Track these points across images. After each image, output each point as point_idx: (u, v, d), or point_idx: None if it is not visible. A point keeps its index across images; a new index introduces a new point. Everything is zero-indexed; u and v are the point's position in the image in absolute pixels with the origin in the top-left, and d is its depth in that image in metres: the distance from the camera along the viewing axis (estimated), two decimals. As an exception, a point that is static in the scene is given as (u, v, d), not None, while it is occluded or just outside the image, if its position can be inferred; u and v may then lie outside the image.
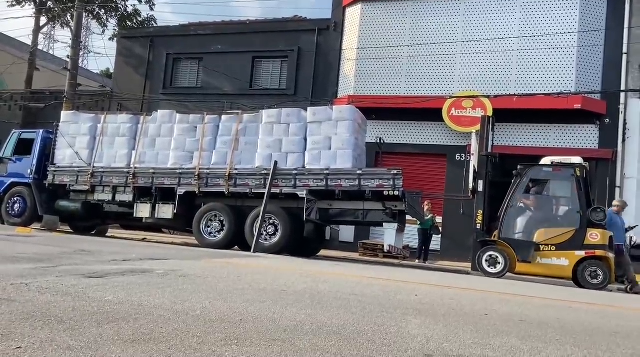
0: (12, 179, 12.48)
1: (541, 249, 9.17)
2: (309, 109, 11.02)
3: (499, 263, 9.32)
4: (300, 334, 2.70)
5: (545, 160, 10.06)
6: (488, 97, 14.54)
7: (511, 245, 9.36)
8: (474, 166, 10.29)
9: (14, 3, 22.70)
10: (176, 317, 2.85)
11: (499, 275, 9.23)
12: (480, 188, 9.96)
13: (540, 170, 9.84)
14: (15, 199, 12.31)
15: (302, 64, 17.79)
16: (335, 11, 17.51)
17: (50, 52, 34.13)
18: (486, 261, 9.42)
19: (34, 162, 12.38)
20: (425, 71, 15.81)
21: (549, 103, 14.09)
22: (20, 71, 21.86)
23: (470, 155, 11.63)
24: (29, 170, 12.35)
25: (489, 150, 10.32)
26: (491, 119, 10.97)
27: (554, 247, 9.11)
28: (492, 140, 10.94)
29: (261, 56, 18.50)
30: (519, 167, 9.72)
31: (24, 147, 12.67)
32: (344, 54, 17.06)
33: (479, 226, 9.86)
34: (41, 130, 12.96)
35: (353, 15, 16.96)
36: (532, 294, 6.21)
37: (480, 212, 9.87)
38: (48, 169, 12.16)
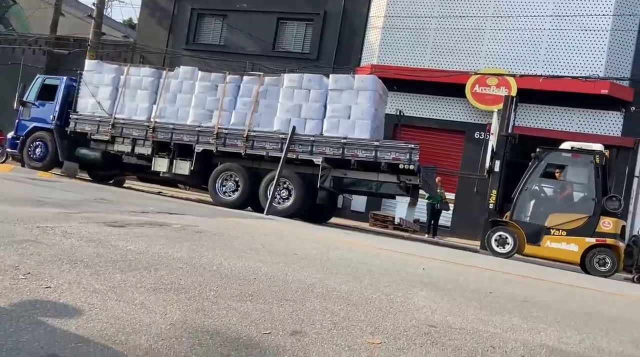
0: (35, 124, 12.68)
1: (551, 233, 9.21)
2: (330, 76, 10.95)
3: (508, 243, 9.39)
4: (310, 296, 2.83)
5: (566, 145, 9.96)
6: (513, 76, 14.29)
7: (522, 227, 9.40)
8: (493, 146, 10.24)
9: (42, -55, 22.56)
10: (194, 271, 2.99)
11: (507, 255, 9.32)
12: (497, 168, 9.93)
13: (559, 154, 9.77)
14: (37, 143, 12.55)
15: (327, 28, 17.54)
16: (365, -24, 17.12)
17: (76, -2, 33.91)
18: (495, 240, 9.50)
19: (57, 108, 12.54)
20: (451, 45, 15.51)
21: (575, 86, 13.82)
22: (45, 16, 21.88)
23: (489, 134, 11.54)
24: (51, 116, 12.53)
25: (509, 131, 10.23)
26: (514, 99, 10.83)
27: (565, 232, 9.14)
28: (514, 121, 10.82)
29: (286, 17, 18.26)
30: (537, 150, 9.65)
31: (47, 93, 12.81)
32: (370, 21, 16.77)
33: (491, 206, 9.89)
34: (65, 77, 13.06)
35: (383, -19, 16.57)
36: (537, 276, 6.30)
37: (494, 192, 9.88)
38: (70, 116, 12.32)
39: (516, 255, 9.47)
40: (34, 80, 13.27)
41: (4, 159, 13.88)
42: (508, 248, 9.38)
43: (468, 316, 2.98)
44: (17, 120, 13.04)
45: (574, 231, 9.09)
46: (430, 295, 3.46)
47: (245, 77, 11.41)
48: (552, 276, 6.82)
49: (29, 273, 2.36)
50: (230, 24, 18.74)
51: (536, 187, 9.72)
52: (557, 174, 9.71)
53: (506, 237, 9.42)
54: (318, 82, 10.77)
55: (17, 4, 23.85)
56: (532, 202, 9.67)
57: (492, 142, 10.32)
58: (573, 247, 9.06)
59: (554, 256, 9.39)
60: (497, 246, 9.46)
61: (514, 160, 10.22)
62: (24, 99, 12.88)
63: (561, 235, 9.16)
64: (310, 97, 10.68)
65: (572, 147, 9.76)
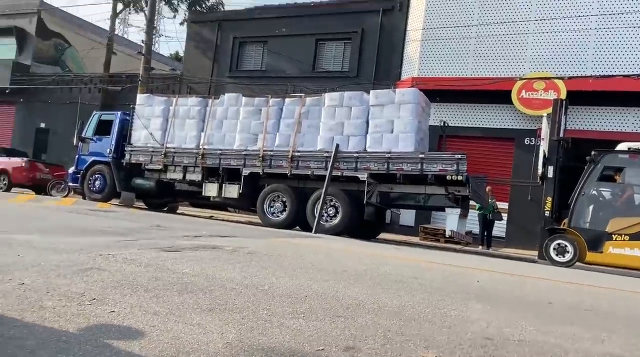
0: (93, 158, 13.40)
1: (614, 239, 8.78)
2: (371, 91, 11.00)
3: (568, 252, 9.02)
4: (362, 312, 2.84)
5: (622, 146, 9.53)
6: (562, 78, 13.87)
7: (581, 234, 9.02)
8: (544, 151, 9.93)
9: (93, -10, 24.01)
10: (247, 291, 3.07)
11: (568, 264, 8.94)
12: (550, 174, 9.61)
13: (616, 156, 9.34)
14: (96, 176, 13.22)
15: (365, 45, 17.68)
16: (401, -9, 17.19)
17: (125, 36, 35.82)
18: (554, 249, 9.14)
19: (113, 142, 13.21)
20: (493, 51, 15.26)
21: (628, 85, 13.23)
22: (98, 55, 23.19)
23: (540, 140, 11.21)
24: (108, 150, 13.20)
25: (561, 135, 9.90)
26: (564, 101, 10.50)
27: (628, 237, 8.69)
28: (565, 124, 10.47)
29: (324, 38, 18.55)
30: (592, 152, 9.28)
31: (103, 128, 13.54)
32: (409, 35, 16.77)
33: (547, 213, 9.55)
34: (119, 112, 13.78)
35: (419, -6, 16.59)
36: (600, 284, 6.01)
37: (549, 199, 9.54)
38: (125, 148, 12.94)
39: (577, 263, 9.07)
40: (91, 117, 14.06)
41: (66, 193, 14.69)
42: (568, 257, 9.00)
43: (526, 327, 2.89)
44: (77, 156, 13.82)
45: (637, 235, 8.63)
46: (486, 308, 3.38)
47: (287, 100, 11.64)
48: (615, 283, 6.48)
49: (94, 299, 2.50)
50: (270, 49, 19.23)
51: (594, 192, 9.32)
52: (615, 177, 9.29)
53: (565, 246, 9.06)
54: (359, 99, 10.85)
55: (72, 46, 25.41)
56: (591, 207, 9.26)
57: (544, 147, 10.01)
58: (637, 253, 8.59)
59: (618, 263, 8.93)
60: (557, 255, 9.10)
61: (568, 165, 9.86)
62: (83, 135, 13.66)
63: (624, 240, 8.71)
64: (352, 114, 10.76)
65: (629, 148, 9.33)
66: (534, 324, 3.00)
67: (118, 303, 2.48)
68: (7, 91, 22.52)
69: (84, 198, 13.37)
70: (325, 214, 10.53)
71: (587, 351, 2.48)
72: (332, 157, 10.46)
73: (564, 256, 9.05)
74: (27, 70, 23.14)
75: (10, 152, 17.14)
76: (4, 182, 15.56)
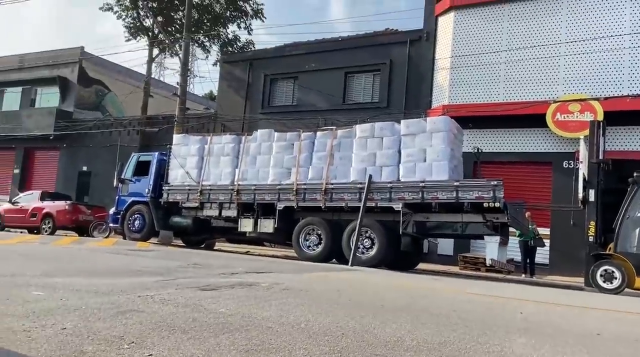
0: (133, 198, 13.79)
1: (665, 263, 8.35)
2: (402, 121, 11.02)
3: (616, 278, 8.62)
4: (400, 349, 2.77)
5: (667, 165, 9.17)
6: (597, 99, 13.56)
7: (629, 259, 8.62)
8: (584, 174, 9.64)
9: (130, 38, 25.24)
10: (283, 330, 3.05)
11: (617, 291, 8.54)
12: (592, 198, 9.29)
13: (661, 176, 8.98)
14: (136, 216, 13.57)
15: (394, 76, 17.82)
16: (427, 21, 17.36)
17: (161, 79, 37.26)
18: (601, 275, 8.77)
19: (151, 182, 13.58)
20: (525, 76, 15.10)
21: (668, 102, 12.83)
22: (136, 99, 24.16)
23: (579, 163, 10.90)
24: (146, 190, 13.57)
25: (600, 157, 9.61)
26: (602, 123, 10.23)
27: (680, 261, 8.25)
28: (604, 146, 10.17)
29: (353, 71, 18.81)
30: (635, 174, 8.96)
31: (142, 169, 13.96)
32: (437, 64, 16.83)
33: (591, 238, 9.19)
34: (156, 153, 14.21)
35: (446, 23, 16.70)
36: (655, 313, 5.70)
37: (593, 223, 9.21)
38: (163, 188, 13.28)
39: (626, 290, 8.64)
40: (130, 159, 14.54)
41: (107, 233, 15.10)
42: (616, 283, 8.60)
43: (574, 362, 2.76)
44: (117, 197, 14.24)
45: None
46: (530, 342, 3.25)
47: (318, 133, 11.77)
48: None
49: (132, 342, 2.54)
50: (300, 84, 19.61)
51: (639, 214, 8.94)
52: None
53: (613, 272, 8.67)
54: (390, 129, 10.87)
55: (111, 91, 26.59)
56: (637, 230, 8.87)
57: (583, 170, 9.73)
58: (692, 277, 8.14)
59: (672, 288, 8.47)
60: (604, 282, 8.71)
61: (610, 188, 9.52)
62: (122, 177, 14.10)
63: (677, 264, 8.27)
64: (383, 144, 10.78)
65: (674, 167, 8.96)
66: (583, 359, 2.86)
67: (156, 346, 2.50)
68: (51, 137, 23.61)
69: (124, 238, 13.69)
70: (361, 246, 10.44)
71: (642, 388, 2.34)
72: (365, 188, 10.44)
73: (611, 283, 8.67)
74: (70, 116, 24.26)
75: (54, 196, 17.83)
76: (49, 225, 16.13)
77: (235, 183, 12.16)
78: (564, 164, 14.42)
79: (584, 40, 14.32)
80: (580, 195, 9.79)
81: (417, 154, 10.38)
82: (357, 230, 10.21)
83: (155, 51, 26.08)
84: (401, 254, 10.73)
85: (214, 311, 3.48)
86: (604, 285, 8.68)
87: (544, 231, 13.78)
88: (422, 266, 12.65)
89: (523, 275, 12.84)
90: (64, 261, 6.69)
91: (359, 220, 10.23)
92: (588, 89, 14.14)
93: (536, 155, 14.89)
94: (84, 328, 2.76)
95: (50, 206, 16.53)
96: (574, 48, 14.41)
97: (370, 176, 10.55)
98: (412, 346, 2.86)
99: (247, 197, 12.00)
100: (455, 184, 9.92)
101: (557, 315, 4.86)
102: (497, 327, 3.71)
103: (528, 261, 13.09)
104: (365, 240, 10.50)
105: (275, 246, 16.04)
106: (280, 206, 11.52)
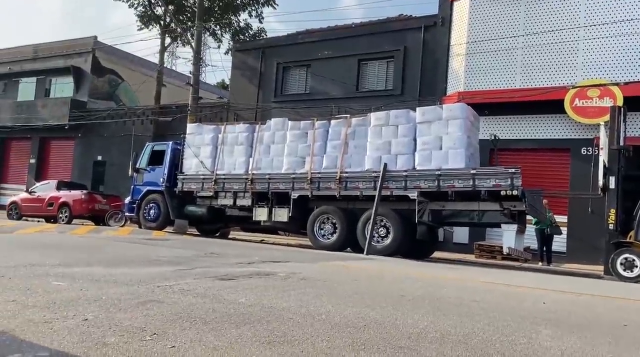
0: (148, 187, 13.84)
1: (688, 252, 8.18)
2: (417, 109, 10.87)
3: (636, 267, 8.48)
4: (425, 342, 2.71)
5: (690, 152, 8.95)
6: (617, 84, 13.24)
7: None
8: (604, 161, 9.45)
9: (142, 27, 25.20)
10: (304, 321, 3.01)
11: (637, 280, 8.39)
12: (612, 185, 9.11)
13: (685, 163, 8.77)
14: (151, 205, 13.63)
15: (408, 63, 17.58)
16: (442, 6, 17.05)
17: (174, 68, 37.27)
18: (621, 264, 8.62)
19: (165, 171, 13.61)
20: (542, 61, 14.79)
21: (692, 86, 12.48)
22: (149, 88, 24.19)
23: (599, 149, 10.69)
24: (161, 179, 13.61)
25: (621, 143, 9.40)
26: (622, 108, 9.99)
27: None
28: (624, 132, 9.94)
29: (367, 58, 18.59)
30: (657, 160, 8.75)
31: (156, 158, 13.98)
32: (452, 50, 16.55)
33: (611, 226, 9.03)
34: (170, 142, 14.22)
35: (461, 8, 16.39)
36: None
37: (613, 210, 9.04)
38: (177, 177, 13.31)
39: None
40: (144, 148, 14.57)
41: (123, 222, 15.22)
42: (637, 271, 8.46)
43: (603, 354, 2.69)
44: (132, 186, 14.30)
45: None
46: (557, 333, 3.18)
47: (332, 121, 11.67)
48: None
49: (154, 334, 2.51)
50: (314, 72, 19.44)
51: (661, 201, 8.75)
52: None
53: (633, 260, 8.52)
54: (405, 117, 10.73)
55: (124, 81, 26.65)
56: (659, 218, 8.70)
57: (603, 157, 9.53)
58: None
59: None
60: (624, 270, 8.57)
61: (631, 174, 9.33)
62: (137, 166, 14.14)
63: (700, 253, 8.10)
64: (398, 132, 10.65)
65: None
66: (612, 350, 2.79)
67: (178, 338, 2.47)
68: (66, 127, 23.77)
69: (139, 227, 13.78)
70: (377, 235, 10.38)
71: (678, 383, 2.26)
72: (380, 177, 10.34)
73: (632, 271, 8.53)
74: (84, 106, 24.38)
75: (70, 186, 17.99)
76: (66, 215, 16.30)
77: (250, 172, 12.14)
78: (583, 151, 14.15)
79: (603, 24, 13.96)
80: (600, 182, 9.60)
81: (433, 142, 10.25)
82: (372, 219, 10.14)
83: (168, 40, 26.02)
84: (416, 242, 10.65)
85: (234, 302, 3.45)
86: (625, 273, 8.54)
87: (561, 219, 13.59)
88: (437, 254, 12.56)
89: (540, 263, 12.69)
90: (82, 251, 6.74)
91: (374, 209, 10.16)
92: (607, 74, 13.82)
93: (554, 142, 14.63)
94: (105, 319, 2.74)
95: (67, 195, 16.69)
96: (592, 32, 14.07)
97: (385, 165, 10.45)
98: (436, 338, 2.81)
99: (261, 186, 11.97)
100: (472, 172, 9.78)
101: (581, 305, 4.77)
102: (520, 318, 3.64)
103: (545, 249, 12.94)
104: (380, 229, 10.43)
105: (290, 234, 16.03)
106: (294, 194, 11.48)
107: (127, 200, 14.42)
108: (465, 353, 2.52)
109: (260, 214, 11.96)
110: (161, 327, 2.65)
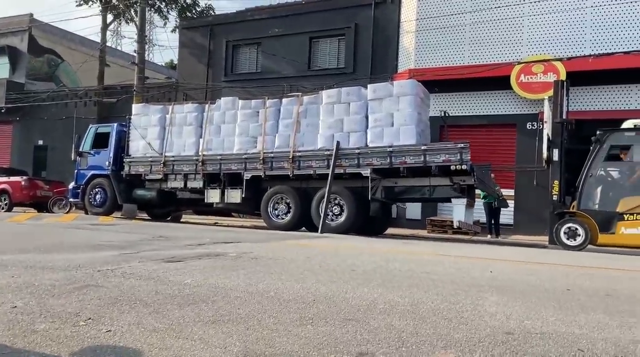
0: (93, 171, 13.27)
1: (625, 219, 8.61)
2: (368, 86, 10.84)
3: (579, 235, 8.85)
4: (373, 313, 2.69)
5: (628, 124, 9.36)
6: (560, 60, 13.68)
7: (591, 216, 8.85)
8: (548, 134, 9.75)
9: (81, 2, 23.91)
10: (251, 299, 2.92)
11: (580, 247, 8.78)
12: (556, 157, 9.44)
13: (622, 135, 9.17)
14: (97, 190, 13.10)
15: (359, 40, 17.53)
16: (392, -17, 17.02)
17: (118, 48, 35.72)
18: (565, 233, 8.98)
19: (111, 154, 13.07)
20: (490, 37, 15.08)
21: (629, 62, 13.05)
22: (91, 68, 23.10)
23: (543, 123, 11.03)
24: (107, 163, 13.07)
25: (564, 117, 9.72)
26: (565, 83, 10.31)
27: (640, 217, 8.51)
28: (567, 106, 10.28)
29: (318, 36, 18.41)
30: (597, 132, 9.11)
31: (101, 141, 13.41)
32: (403, 27, 16.61)
33: (555, 197, 9.38)
34: (115, 124, 13.65)
35: (410, -15, 16.41)
36: (616, 266, 5.85)
37: (557, 182, 9.37)
38: (124, 160, 12.82)
39: (590, 246, 8.90)
40: (87, 131, 13.93)
41: (68, 209, 14.59)
42: (580, 240, 8.84)
43: (547, 317, 2.74)
44: (76, 171, 13.69)
45: (649, 214, 8.45)
46: (502, 299, 3.23)
47: (284, 100, 11.50)
48: (632, 265, 6.32)
49: (89, 319, 2.36)
50: (264, 50, 19.09)
51: (602, 172, 9.14)
52: (622, 156, 9.12)
53: (576, 229, 8.89)
54: (357, 94, 10.69)
55: (64, 61, 25.33)
56: (599, 188, 9.09)
57: (547, 130, 9.84)
58: (651, 232, 8.42)
59: (632, 243, 8.76)
60: (568, 239, 8.94)
61: (573, 147, 9.69)
62: (80, 150, 13.51)
63: (636, 220, 8.54)
64: (350, 110, 10.61)
65: (635, 125, 9.16)
66: (555, 314, 2.85)
67: (115, 321, 2.33)
68: (2, 110, 22.46)
69: (86, 213, 13.25)
70: (331, 213, 10.39)
71: (616, 339, 2.33)
72: (333, 155, 10.31)
73: (575, 240, 8.89)
74: (22, 88, 23.08)
75: (9, 172, 17.06)
76: (5, 202, 15.48)
77: (200, 153, 11.84)
78: (528, 125, 14.62)
79: (546, 0, 14.32)
80: (545, 155, 9.93)
81: (384, 119, 10.27)
82: (326, 197, 10.13)
83: (110, 18, 24.84)
84: (370, 219, 10.74)
85: (179, 283, 3.32)
86: (568, 242, 8.90)
87: (508, 192, 14.03)
88: (391, 230, 12.75)
89: (489, 236, 13.11)
90: (18, 239, 6.37)
91: (327, 187, 10.14)
92: (551, 50, 14.24)
93: (501, 118, 15.03)
94: (36, 306, 2.56)
95: (6, 181, 15.82)
96: (537, 8, 14.42)
97: (338, 143, 10.42)
98: (384, 309, 2.79)
99: (212, 167, 11.71)
100: (423, 148, 9.89)
101: (526, 272, 4.91)
102: (468, 286, 3.69)
103: (493, 221, 13.36)
104: (334, 207, 10.44)
105: (244, 216, 15.86)
106: (247, 175, 11.30)
107: (71, 185, 13.81)
108: (413, 322, 2.51)
109: (213, 196, 11.73)
110: (97, 311, 2.50)
